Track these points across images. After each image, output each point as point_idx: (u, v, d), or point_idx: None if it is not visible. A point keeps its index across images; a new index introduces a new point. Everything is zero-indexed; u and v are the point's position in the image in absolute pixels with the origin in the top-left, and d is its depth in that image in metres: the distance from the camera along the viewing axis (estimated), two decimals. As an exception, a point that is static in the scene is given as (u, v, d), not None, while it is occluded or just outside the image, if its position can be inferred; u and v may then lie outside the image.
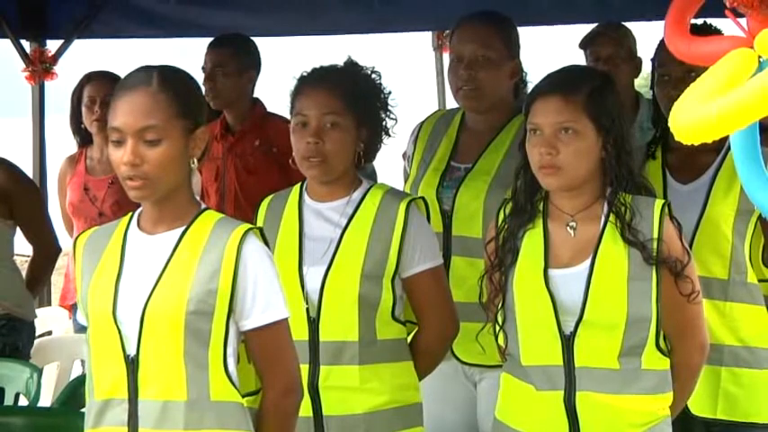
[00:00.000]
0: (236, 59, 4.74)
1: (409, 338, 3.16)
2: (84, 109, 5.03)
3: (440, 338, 3.17)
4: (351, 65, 3.15)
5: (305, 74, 3.13)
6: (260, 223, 3.13)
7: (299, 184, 3.18)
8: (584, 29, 5.14)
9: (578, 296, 2.81)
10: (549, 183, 2.84)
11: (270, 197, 3.22)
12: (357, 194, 3.10)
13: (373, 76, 3.15)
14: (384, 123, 3.15)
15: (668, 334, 2.86)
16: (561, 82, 2.89)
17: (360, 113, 3.05)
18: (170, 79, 2.60)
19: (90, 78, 5.07)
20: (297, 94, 3.10)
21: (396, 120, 3.18)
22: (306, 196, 3.14)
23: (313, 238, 3.08)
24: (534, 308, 2.84)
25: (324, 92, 3.05)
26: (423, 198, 3.20)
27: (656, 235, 2.82)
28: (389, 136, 3.18)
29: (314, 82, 3.09)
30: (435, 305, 3.12)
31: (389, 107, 3.16)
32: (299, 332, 2.96)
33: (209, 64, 4.73)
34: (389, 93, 3.16)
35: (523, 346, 2.87)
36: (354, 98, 3.05)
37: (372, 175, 4.92)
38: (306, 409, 2.92)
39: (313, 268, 3.04)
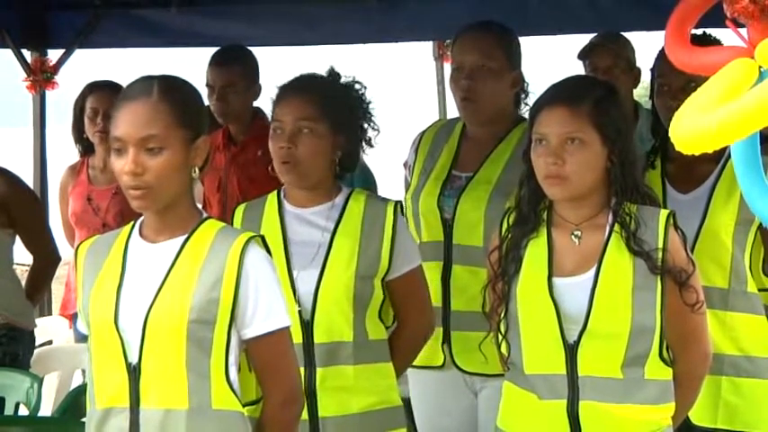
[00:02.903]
0: (244, 77, 4.77)
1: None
2: (86, 120, 5.02)
3: (421, 334, 3.23)
4: (330, 74, 3.19)
5: (285, 82, 3.17)
6: None
7: (274, 192, 3.21)
8: (583, 39, 5.14)
9: (583, 305, 2.81)
10: (555, 193, 2.84)
11: (243, 205, 3.26)
12: (340, 199, 3.14)
13: (356, 86, 3.18)
14: (365, 133, 3.18)
15: (672, 344, 2.86)
16: (567, 92, 2.89)
17: (335, 121, 3.08)
18: (171, 89, 2.61)
19: (92, 89, 5.05)
20: (276, 101, 3.16)
21: (378, 130, 3.21)
22: (285, 203, 3.16)
23: (298, 242, 3.10)
24: (538, 317, 2.84)
25: (299, 98, 3.09)
26: (400, 201, 3.23)
27: (660, 245, 2.82)
28: (371, 146, 3.21)
29: (291, 89, 3.15)
30: (417, 303, 3.18)
31: (370, 117, 3.19)
32: (293, 335, 2.98)
33: (218, 83, 4.73)
34: (370, 102, 3.20)
35: (527, 354, 2.87)
36: (330, 105, 3.08)
37: (369, 178, 4.88)
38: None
39: (304, 272, 3.06)
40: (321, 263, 3.06)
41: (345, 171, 3.19)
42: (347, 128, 3.12)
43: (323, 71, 3.21)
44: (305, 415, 2.99)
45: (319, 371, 3.04)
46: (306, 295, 3.05)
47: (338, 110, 3.10)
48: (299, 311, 3.04)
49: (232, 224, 3.17)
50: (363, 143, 3.20)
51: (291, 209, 3.15)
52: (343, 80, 3.18)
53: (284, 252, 3.09)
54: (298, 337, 3.01)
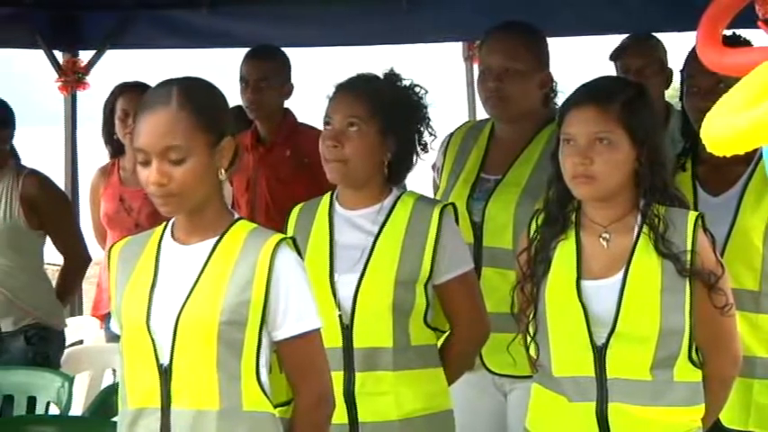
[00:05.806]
0: (278, 73, 4.82)
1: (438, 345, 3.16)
2: (117, 122, 5.02)
3: (473, 342, 3.19)
4: (387, 74, 3.15)
5: (341, 81, 3.15)
6: (290, 232, 3.15)
7: (329, 193, 3.19)
8: (614, 40, 5.13)
9: (611, 307, 2.80)
10: (582, 193, 2.83)
11: (300, 206, 3.24)
12: (388, 202, 3.10)
13: (416, 89, 3.14)
14: (420, 138, 3.13)
15: (701, 346, 2.84)
16: (596, 92, 2.88)
17: (386, 122, 3.04)
18: (190, 94, 2.58)
19: (122, 90, 5.05)
20: (330, 99, 3.13)
21: (435, 135, 3.17)
22: (336, 204, 3.15)
23: (344, 245, 3.08)
24: (566, 319, 2.84)
25: (350, 97, 3.07)
26: (453, 204, 3.19)
27: (689, 247, 2.80)
28: (426, 151, 3.17)
29: (343, 88, 3.12)
30: (468, 309, 3.12)
31: (428, 122, 3.14)
32: (333, 340, 2.97)
33: (253, 76, 4.77)
34: (427, 107, 3.15)
35: (555, 356, 2.86)
36: (381, 106, 3.04)
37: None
38: (341, 415, 2.94)
39: (345, 276, 3.05)
40: (362, 267, 3.04)
41: (396, 179, 3.13)
42: (399, 130, 3.07)
43: (380, 71, 3.17)
44: (344, 419, 3.00)
45: (358, 376, 3.02)
46: (345, 300, 3.03)
47: (390, 111, 3.05)
48: (339, 315, 3.03)
49: (286, 224, 3.18)
50: (418, 148, 3.13)
51: (341, 211, 3.13)
52: (397, 80, 3.13)
53: (329, 255, 3.08)
54: (337, 342, 3.01)
